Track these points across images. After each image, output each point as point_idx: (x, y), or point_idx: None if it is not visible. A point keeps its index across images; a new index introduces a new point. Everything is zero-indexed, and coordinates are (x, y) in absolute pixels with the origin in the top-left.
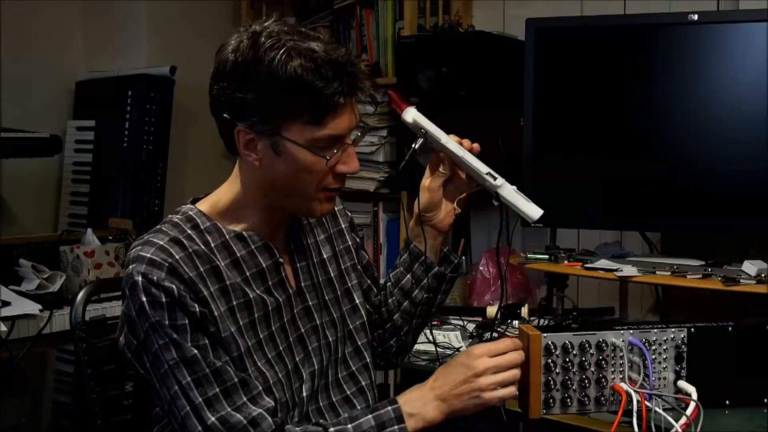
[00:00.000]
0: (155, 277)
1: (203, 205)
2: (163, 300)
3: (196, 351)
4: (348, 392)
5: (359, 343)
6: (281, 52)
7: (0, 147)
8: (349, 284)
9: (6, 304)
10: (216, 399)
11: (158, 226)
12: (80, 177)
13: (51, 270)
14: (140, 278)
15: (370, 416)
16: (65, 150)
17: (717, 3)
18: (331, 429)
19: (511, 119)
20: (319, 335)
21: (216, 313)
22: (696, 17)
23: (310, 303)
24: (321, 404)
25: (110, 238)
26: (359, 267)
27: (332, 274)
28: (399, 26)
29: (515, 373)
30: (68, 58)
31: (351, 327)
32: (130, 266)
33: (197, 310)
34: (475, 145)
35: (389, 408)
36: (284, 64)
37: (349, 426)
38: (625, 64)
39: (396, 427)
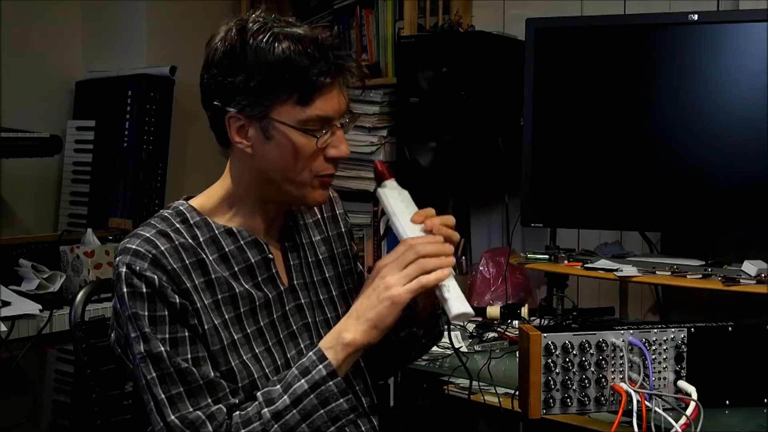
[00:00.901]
0: (138, 268)
1: (195, 201)
2: (144, 290)
3: (162, 348)
4: None
5: None
6: (268, 35)
7: (0, 147)
8: (345, 288)
9: (6, 304)
10: (179, 398)
11: (148, 220)
12: (80, 177)
13: (51, 270)
14: (124, 269)
15: (292, 369)
16: (65, 150)
17: (717, 3)
18: (259, 394)
19: (511, 119)
20: (312, 333)
21: (198, 305)
22: (696, 17)
23: (303, 301)
24: None
25: (110, 238)
26: (356, 274)
27: (327, 275)
28: (399, 26)
29: (420, 264)
30: (68, 58)
31: None
32: (117, 258)
33: (177, 301)
34: (433, 223)
35: (311, 353)
36: (272, 46)
37: (278, 386)
38: (625, 64)
39: (320, 366)
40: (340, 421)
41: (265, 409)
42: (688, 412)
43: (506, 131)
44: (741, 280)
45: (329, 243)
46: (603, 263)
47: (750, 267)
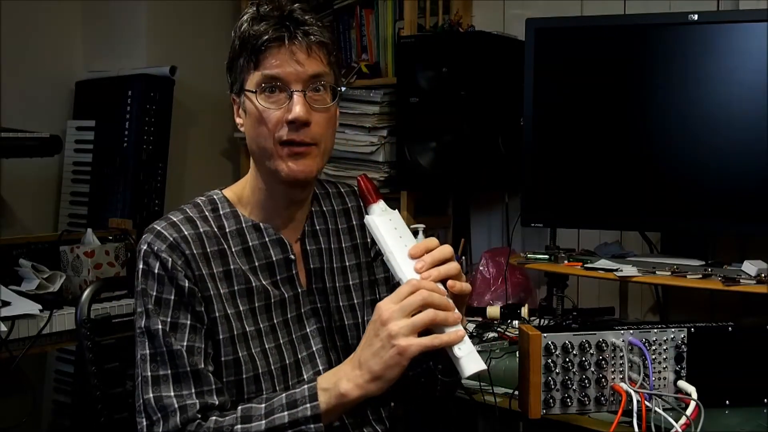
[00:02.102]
0: (156, 248)
1: (227, 191)
2: (156, 271)
3: (160, 327)
4: None
5: None
6: (245, 15)
7: (0, 147)
8: (378, 296)
9: (6, 304)
10: (164, 380)
11: (181, 205)
12: (80, 177)
13: (51, 270)
14: (145, 246)
15: (283, 395)
16: (65, 150)
17: (717, 3)
18: (239, 408)
19: (511, 119)
20: (325, 338)
21: (212, 293)
22: (696, 17)
23: (319, 305)
24: None
25: (110, 238)
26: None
27: (352, 282)
28: (399, 26)
29: (430, 315)
30: (68, 58)
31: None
32: (143, 236)
33: (187, 285)
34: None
35: (305, 386)
36: (241, 23)
37: (262, 405)
38: (625, 64)
39: (307, 405)
40: None
41: (239, 426)
42: (688, 412)
43: (506, 131)
44: (741, 280)
45: (360, 250)
46: (603, 263)
47: (750, 267)
